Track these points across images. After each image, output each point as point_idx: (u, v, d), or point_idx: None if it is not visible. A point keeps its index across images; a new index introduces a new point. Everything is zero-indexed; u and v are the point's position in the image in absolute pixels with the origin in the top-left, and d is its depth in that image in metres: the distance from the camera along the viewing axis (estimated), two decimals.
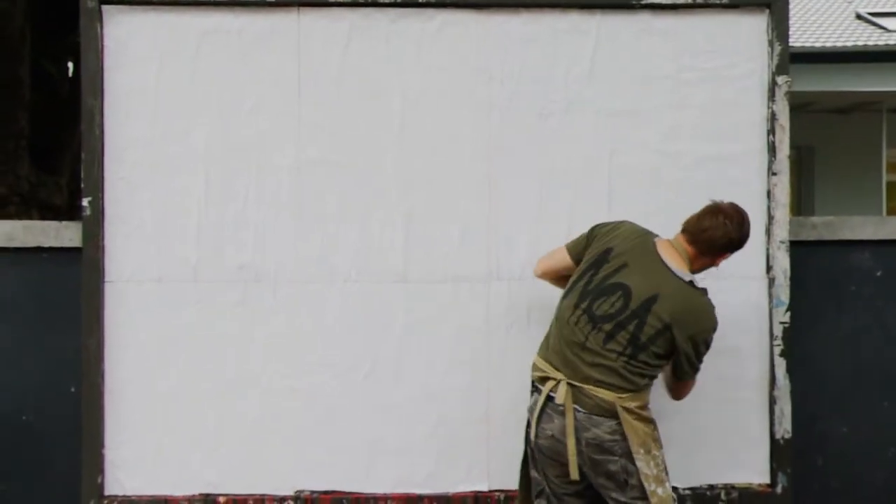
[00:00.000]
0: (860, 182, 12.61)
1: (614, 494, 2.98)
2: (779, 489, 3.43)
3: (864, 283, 3.83)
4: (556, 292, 3.38)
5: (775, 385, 3.45)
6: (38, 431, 3.63)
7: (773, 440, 3.46)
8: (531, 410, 3.06)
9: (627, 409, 2.94)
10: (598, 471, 2.97)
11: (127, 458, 3.36)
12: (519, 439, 3.33)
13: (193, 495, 3.35)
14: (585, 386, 2.95)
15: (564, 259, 3.15)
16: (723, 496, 3.44)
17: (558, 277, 3.18)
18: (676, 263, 3.01)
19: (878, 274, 3.84)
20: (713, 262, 3.08)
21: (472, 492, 3.39)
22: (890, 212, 13.13)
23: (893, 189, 13.77)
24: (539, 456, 3.06)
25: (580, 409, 2.95)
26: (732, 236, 3.03)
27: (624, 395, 2.95)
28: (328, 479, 3.37)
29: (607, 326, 2.95)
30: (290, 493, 3.36)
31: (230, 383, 3.36)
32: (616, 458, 2.95)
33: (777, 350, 3.45)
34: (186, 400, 3.36)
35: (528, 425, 3.08)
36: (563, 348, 3.01)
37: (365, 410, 3.38)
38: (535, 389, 3.08)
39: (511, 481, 3.37)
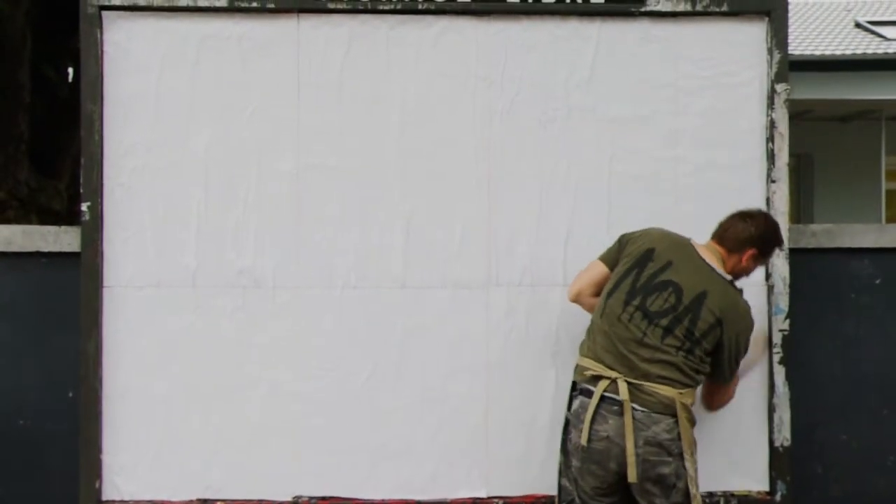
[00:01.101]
0: (859, 190, 12.60)
1: (658, 501, 2.96)
2: (778, 497, 3.43)
3: (864, 291, 3.83)
4: (555, 299, 3.40)
5: (774, 392, 3.45)
6: (36, 435, 3.62)
7: (773, 447, 3.46)
8: (578, 414, 3.02)
9: (685, 407, 2.95)
10: (649, 474, 2.93)
11: (125, 463, 3.36)
12: (518, 446, 3.35)
13: (191, 500, 3.34)
14: (645, 383, 2.95)
15: (602, 269, 3.16)
16: (722, 503, 3.45)
17: (596, 293, 3.16)
18: (716, 263, 3.08)
19: (878, 281, 3.84)
20: (741, 259, 3.11)
21: (470, 498, 3.38)
22: (889, 219, 13.12)
23: (893, 197, 13.77)
24: (580, 463, 3.01)
25: (638, 407, 2.93)
26: (752, 231, 3.10)
27: (684, 391, 2.97)
28: (326, 484, 3.37)
29: (664, 321, 2.98)
30: (289, 498, 3.35)
31: (229, 388, 3.36)
32: (671, 459, 2.94)
33: (776, 357, 3.46)
34: (185, 405, 3.35)
35: (567, 431, 3.07)
36: (616, 346, 3.00)
37: (364, 416, 3.38)
38: (580, 392, 3.04)
39: (509, 488, 3.38)
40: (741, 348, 3.07)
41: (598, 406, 2.98)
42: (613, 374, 2.98)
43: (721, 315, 2.99)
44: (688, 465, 2.94)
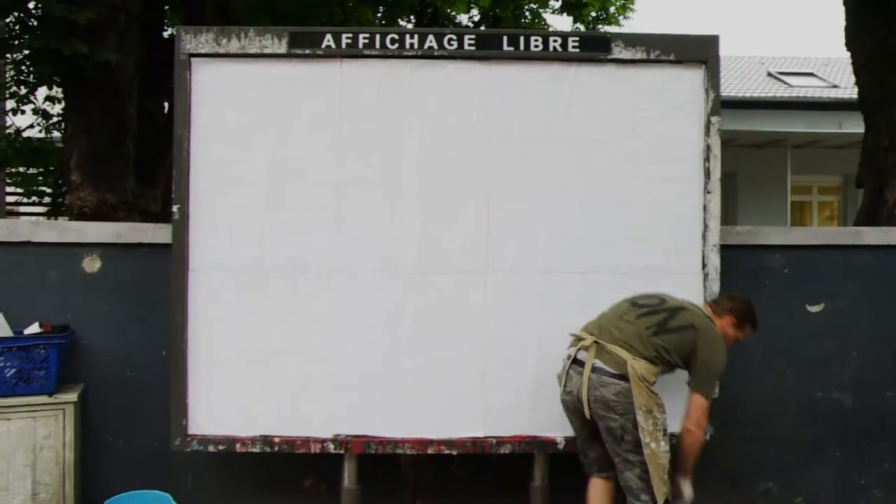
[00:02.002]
0: (771, 200, 12.60)
1: (613, 447, 2.91)
2: (708, 436, 3.33)
3: (775, 278, 3.78)
4: (537, 283, 3.32)
5: None
6: (140, 385, 3.59)
7: None
8: (559, 376, 3.04)
9: (636, 372, 2.84)
10: (601, 425, 2.90)
11: (204, 407, 3.28)
12: (508, 397, 3.30)
13: (255, 436, 3.27)
14: (608, 344, 2.91)
15: None
16: None
17: None
18: (706, 311, 3.08)
19: (786, 271, 3.79)
20: (722, 322, 3.10)
21: (470, 437, 3.29)
22: (793, 224, 13.12)
23: (796, 206, 13.76)
24: (565, 413, 3.04)
25: (597, 368, 2.88)
26: (732, 305, 3.14)
27: (637, 358, 2.87)
28: (358, 426, 3.28)
29: (645, 309, 2.99)
30: (329, 436, 3.27)
31: (282, 351, 3.27)
32: (617, 416, 2.87)
33: None
34: (248, 363, 3.27)
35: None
36: (601, 322, 3.01)
37: (386, 374, 3.29)
38: (566, 357, 3.03)
39: (501, 429, 3.30)
40: (710, 367, 2.93)
41: (569, 367, 2.99)
42: (588, 337, 2.96)
43: (697, 325, 2.95)
44: (639, 418, 2.84)
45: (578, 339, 3.02)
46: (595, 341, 2.95)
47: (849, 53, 5.50)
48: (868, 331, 3.80)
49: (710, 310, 3.13)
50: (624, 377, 2.86)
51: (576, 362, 2.98)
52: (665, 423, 2.91)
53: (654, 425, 2.87)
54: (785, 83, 13.68)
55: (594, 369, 2.89)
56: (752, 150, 12.74)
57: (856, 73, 5.47)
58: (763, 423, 3.78)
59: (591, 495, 3.07)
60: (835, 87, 13.23)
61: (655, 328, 2.94)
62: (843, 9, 5.55)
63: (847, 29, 5.49)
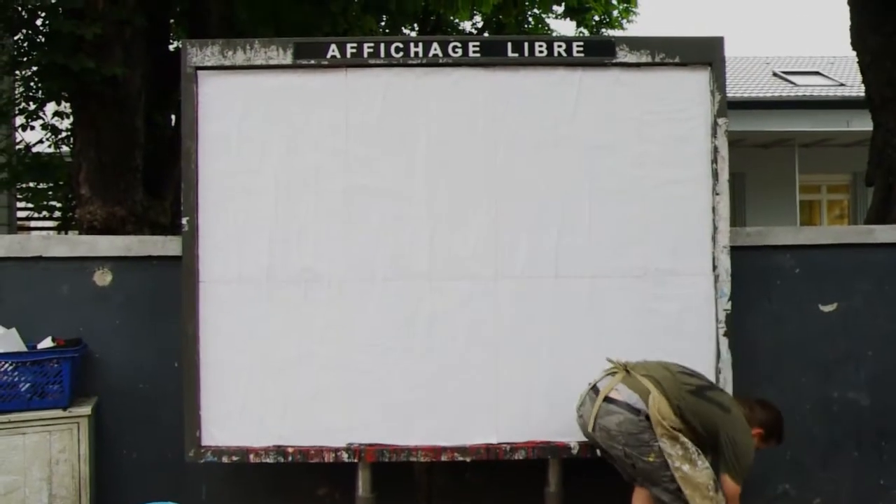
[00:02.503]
0: (779, 200, 12.55)
1: (631, 473, 2.96)
2: None
3: (786, 278, 3.76)
4: (548, 287, 3.32)
5: (720, 358, 3.33)
6: (152, 395, 3.60)
7: None
8: (578, 407, 3.08)
9: (655, 405, 2.84)
10: (603, 447, 2.97)
11: (217, 418, 3.28)
12: (520, 404, 3.30)
13: (268, 446, 3.27)
14: (638, 375, 2.92)
15: None
16: None
17: None
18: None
19: (797, 271, 3.76)
20: (755, 432, 3.01)
21: (483, 443, 3.28)
22: (803, 223, 13.07)
23: (805, 205, 13.70)
24: (584, 434, 3.07)
25: (609, 398, 2.91)
26: (764, 417, 3.06)
27: (661, 395, 2.86)
28: (372, 434, 3.28)
29: (689, 372, 3.01)
30: (343, 445, 3.27)
31: (294, 360, 3.28)
32: (619, 446, 2.89)
33: (721, 331, 3.34)
34: (261, 373, 3.28)
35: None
36: (642, 361, 3.04)
37: (399, 381, 3.29)
38: (588, 385, 3.07)
39: (514, 436, 3.29)
40: (737, 447, 2.87)
41: (586, 393, 3.03)
42: (618, 364, 3.00)
43: (732, 410, 2.92)
44: (665, 448, 2.83)
45: (610, 369, 3.03)
46: (625, 367, 2.96)
47: (855, 52, 5.49)
48: (883, 329, 3.78)
49: (744, 411, 3.02)
50: (634, 409, 2.87)
51: (594, 389, 3.00)
52: (696, 450, 2.86)
53: (685, 449, 2.84)
54: (791, 83, 13.66)
55: (606, 399, 2.92)
56: (760, 151, 12.70)
57: (862, 71, 5.46)
58: None
59: (634, 501, 3.06)
60: (841, 85, 13.19)
61: (692, 388, 2.93)
62: (847, 7, 5.54)
63: (852, 27, 5.48)
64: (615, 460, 2.98)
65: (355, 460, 3.27)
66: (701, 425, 2.90)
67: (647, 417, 2.86)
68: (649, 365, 3.01)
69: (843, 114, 11.67)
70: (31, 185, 7.85)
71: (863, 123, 7.95)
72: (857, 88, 10.81)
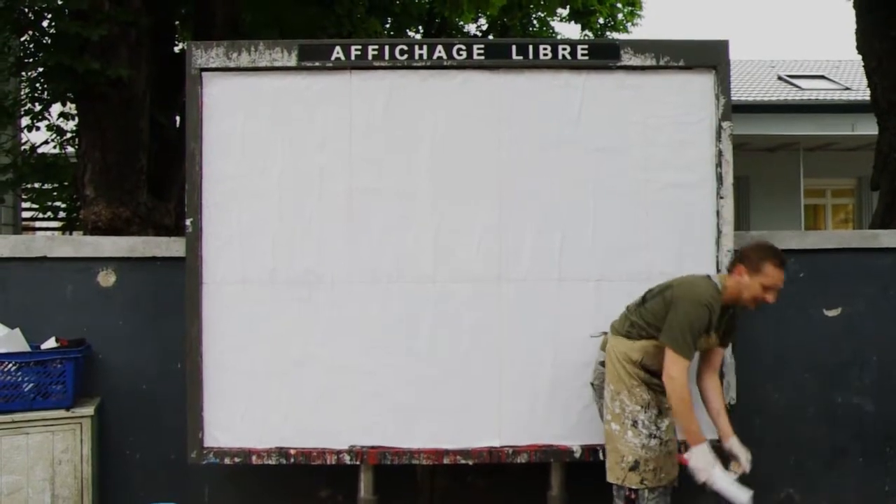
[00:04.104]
0: (784, 204, 12.53)
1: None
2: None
3: (791, 283, 3.71)
4: (551, 291, 3.31)
5: (723, 362, 3.30)
6: (154, 396, 3.61)
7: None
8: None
9: (613, 352, 2.90)
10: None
11: (220, 419, 3.29)
12: (524, 407, 3.29)
13: (271, 448, 3.27)
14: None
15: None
16: (681, 448, 3.32)
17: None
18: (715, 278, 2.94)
19: (801, 275, 3.74)
20: (735, 276, 2.89)
21: (486, 447, 3.28)
22: (807, 227, 13.04)
23: (809, 210, 13.68)
24: None
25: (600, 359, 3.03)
26: (736, 255, 3.00)
27: (615, 336, 2.93)
28: (375, 436, 3.28)
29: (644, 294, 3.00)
30: (345, 447, 3.27)
31: (298, 362, 3.28)
32: (599, 398, 3.03)
33: None
34: (264, 374, 3.28)
35: None
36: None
37: (403, 383, 3.29)
38: None
39: (517, 439, 3.29)
40: (680, 315, 2.75)
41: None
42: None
43: (673, 285, 2.88)
44: (606, 399, 2.90)
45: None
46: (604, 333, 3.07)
47: (860, 56, 5.48)
48: (888, 334, 3.76)
49: (725, 274, 2.94)
50: (600, 362, 2.99)
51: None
52: (647, 421, 2.83)
53: (622, 410, 2.86)
54: (796, 86, 13.65)
55: (598, 361, 3.06)
56: (765, 154, 12.70)
57: (868, 75, 5.45)
58: (782, 428, 3.74)
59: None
60: (847, 89, 13.18)
61: (637, 303, 2.96)
62: (853, 11, 5.53)
63: (858, 31, 5.47)
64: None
65: (358, 462, 3.27)
66: (651, 323, 2.83)
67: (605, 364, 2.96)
68: (617, 319, 3.04)
69: (848, 118, 11.66)
70: (37, 185, 7.86)
71: (868, 127, 7.94)
72: (862, 92, 10.79)
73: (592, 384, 3.10)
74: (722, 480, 2.77)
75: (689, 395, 2.77)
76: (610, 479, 2.90)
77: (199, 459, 3.27)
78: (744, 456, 2.91)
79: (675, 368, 2.76)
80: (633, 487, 2.84)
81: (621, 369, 2.87)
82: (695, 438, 2.77)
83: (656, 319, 2.87)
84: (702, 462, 2.77)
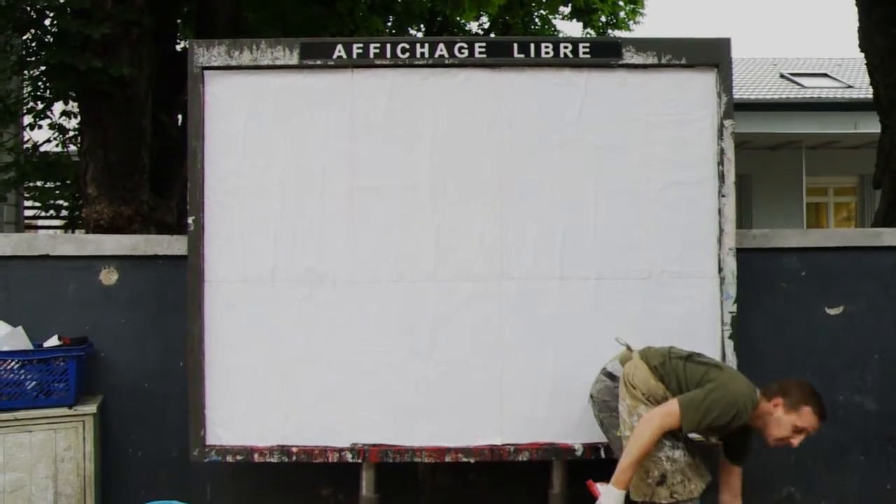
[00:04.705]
0: (786, 202, 12.52)
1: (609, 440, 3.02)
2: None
3: (792, 281, 3.74)
4: (553, 290, 3.32)
5: (725, 361, 3.31)
6: (157, 395, 3.61)
7: None
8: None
9: (627, 372, 2.85)
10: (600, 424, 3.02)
11: (222, 417, 3.29)
12: (525, 406, 3.29)
13: (273, 446, 3.27)
14: (636, 352, 2.95)
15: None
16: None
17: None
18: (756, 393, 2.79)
19: (803, 274, 3.74)
20: (770, 403, 2.75)
21: (488, 445, 3.28)
22: (809, 225, 13.02)
23: (812, 208, 13.67)
24: None
25: (606, 370, 2.97)
26: (781, 386, 2.80)
27: (641, 360, 2.87)
28: (376, 434, 3.28)
29: (688, 352, 2.93)
30: (347, 445, 3.27)
31: (299, 361, 3.28)
32: (597, 413, 3.00)
33: (726, 333, 3.32)
34: (266, 373, 3.28)
35: None
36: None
37: (404, 382, 3.29)
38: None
39: (518, 437, 3.29)
40: (706, 393, 2.71)
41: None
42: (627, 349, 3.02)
43: (724, 366, 2.94)
44: (622, 412, 2.86)
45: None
46: (628, 347, 2.99)
47: (863, 54, 5.47)
48: (890, 333, 3.76)
49: (763, 396, 2.77)
50: (613, 377, 2.92)
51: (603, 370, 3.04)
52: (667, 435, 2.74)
53: (635, 416, 2.80)
54: (798, 84, 13.63)
55: (602, 370, 3.00)
56: (767, 153, 12.68)
57: (870, 73, 5.44)
58: None
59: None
60: (849, 87, 13.15)
61: (683, 355, 2.86)
62: (856, 9, 5.53)
63: (860, 29, 5.47)
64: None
65: (359, 460, 3.27)
66: (680, 381, 2.74)
67: (615, 378, 2.91)
68: (654, 348, 2.96)
69: (850, 116, 11.64)
70: (39, 183, 7.88)
71: (871, 126, 7.93)
72: (864, 90, 10.77)
73: (592, 396, 3.00)
74: None
75: (651, 444, 2.65)
76: (635, 497, 2.70)
77: (201, 457, 3.28)
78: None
79: (662, 413, 2.65)
80: (664, 503, 2.70)
81: (637, 392, 2.82)
82: (621, 482, 2.63)
83: (685, 380, 2.78)
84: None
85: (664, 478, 2.71)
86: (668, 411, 2.67)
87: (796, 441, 2.74)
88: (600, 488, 2.69)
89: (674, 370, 2.83)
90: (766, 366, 3.68)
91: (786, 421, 2.70)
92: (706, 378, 2.76)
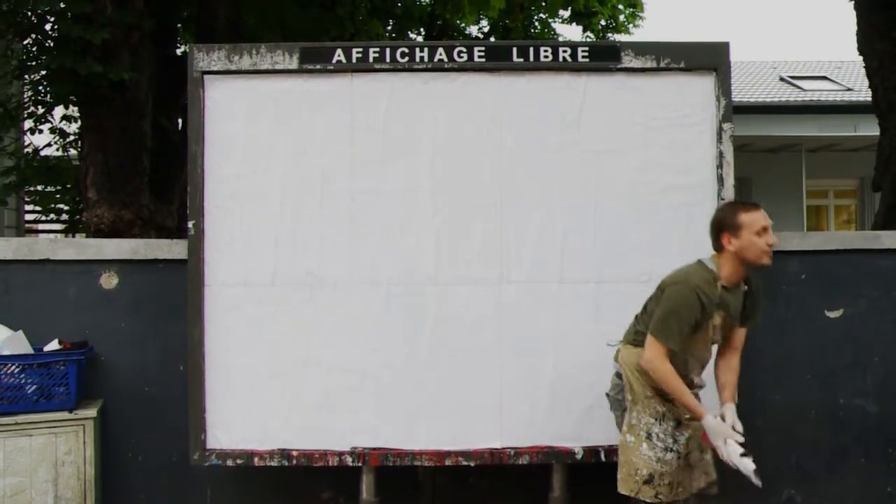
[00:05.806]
0: (786, 205, 12.51)
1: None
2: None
3: (793, 284, 3.74)
4: (552, 293, 3.32)
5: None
6: (157, 398, 3.61)
7: None
8: None
9: (624, 361, 2.84)
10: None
11: (222, 421, 3.29)
12: (524, 409, 3.29)
13: (273, 450, 3.28)
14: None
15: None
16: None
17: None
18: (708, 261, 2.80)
19: (803, 276, 3.74)
20: (725, 248, 2.74)
21: (487, 448, 3.28)
22: (810, 228, 13.02)
23: (812, 211, 13.67)
24: None
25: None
26: (712, 224, 2.83)
27: (625, 346, 2.88)
28: (376, 438, 3.29)
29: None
30: (348, 448, 3.28)
31: (299, 364, 3.29)
32: (614, 412, 2.97)
33: None
34: (266, 377, 3.29)
35: None
36: None
37: (405, 385, 3.30)
38: None
39: (518, 440, 3.29)
40: (665, 304, 2.69)
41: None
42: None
43: (664, 279, 2.79)
44: (626, 414, 2.83)
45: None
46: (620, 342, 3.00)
47: (862, 56, 5.48)
48: (890, 335, 3.76)
49: (713, 255, 2.81)
50: (617, 374, 2.92)
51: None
52: (662, 434, 2.76)
53: (637, 421, 2.79)
54: (798, 87, 13.65)
55: (615, 371, 2.98)
56: (767, 155, 12.68)
57: (869, 76, 5.45)
58: (784, 429, 3.73)
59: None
60: (849, 90, 13.17)
61: (641, 311, 2.89)
62: (854, 12, 5.54)
63: (859, 32, 5.48)
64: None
65: (359, 464, 3.28)
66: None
67: (620, 376, 2.89)
68: (628, 328, 2.97)
69: (850, 118, 11.66)
70: (39, 188, 7.89)
71: (870, 128, 7.93)
72: (864, 93, 10.78)
73: (608, 395, 3.01)
74: (732, 452, 2.67)
75: (670, 373, 2.67)
76: (622, 490, 2.80)
77: (201, 461, 3.28)
78: (738, 426, 2.75)
79: (650, 351, 2.69)
80: (648, 501, 2.76)
81: (634, 380, 2.81)
82: (695, 413, 2.70)
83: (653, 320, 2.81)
84: (713, 433, 2.68)
85: (651, 478, 2.77)
86: (650, 349, 2.70)
87: (771, 239, 2.74)
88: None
89: (643, 329, 2.81)
90: (767, 368, 3.69)
91: (745, 240, 2.71)
92: (658, 300, 2.77)
